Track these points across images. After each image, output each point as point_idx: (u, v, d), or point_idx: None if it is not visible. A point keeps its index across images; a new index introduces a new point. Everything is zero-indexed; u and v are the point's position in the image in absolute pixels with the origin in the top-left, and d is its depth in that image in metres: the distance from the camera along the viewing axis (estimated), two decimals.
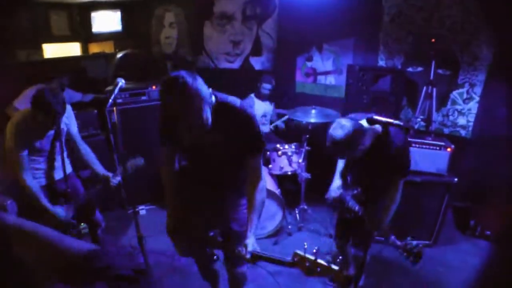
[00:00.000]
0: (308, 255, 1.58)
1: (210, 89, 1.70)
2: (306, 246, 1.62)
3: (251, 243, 1.75)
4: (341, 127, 2.03)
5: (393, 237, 2.05)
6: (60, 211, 2.48)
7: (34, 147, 2.42)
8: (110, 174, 2.63)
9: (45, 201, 2.44)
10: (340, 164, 2.59)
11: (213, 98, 1.74)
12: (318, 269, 1.55)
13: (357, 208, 2.28)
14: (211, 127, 1.70)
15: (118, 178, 2.62)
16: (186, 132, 1.69)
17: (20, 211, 2.64)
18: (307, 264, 1.58)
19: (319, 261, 1.55)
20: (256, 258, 1.74)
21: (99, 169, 2.71)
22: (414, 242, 1.98)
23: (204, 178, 2.00)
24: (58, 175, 2.65)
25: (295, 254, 1.62)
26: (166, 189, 2.07)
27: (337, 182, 2.51)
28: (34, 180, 2.42)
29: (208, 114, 1.63)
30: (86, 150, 2.74)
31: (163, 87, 1.55)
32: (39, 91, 2.25)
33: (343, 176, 2.53)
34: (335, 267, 1.51)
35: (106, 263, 1.15)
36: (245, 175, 1.94)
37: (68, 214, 2.52)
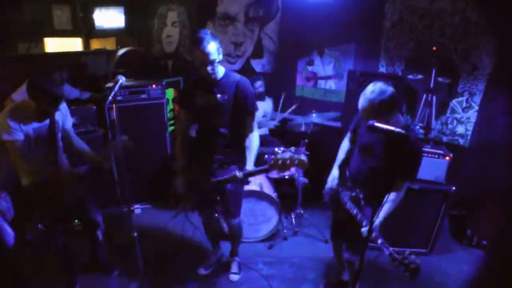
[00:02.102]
0: (278, 155, 2.06)
1: (222, 49, 2.35)
2: (278, 150, 2.15)
3: (247, 168, 2.38)
4: (379, 87, 2.05)
5: (391, 249, 2.00)
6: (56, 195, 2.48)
7: (29, 137, 2.38)
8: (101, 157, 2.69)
9: (42, 186, 2.43)
10: (341, 155, 2.56)
11: (223, 69, 2.43)
12: (288, 162, 2.03)
13: (354, 211, 2.24)
14: (219, 89, 2.38)
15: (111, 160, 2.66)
16: (201, 69, 2.31)
17: (14, 205, 2.62)
18: (279, 162, 2.04)
19: (287, 156, 2.04)
20: (246, 175, 2.31)
21: (91, 153, 2.72)
22: (412, 257, 1.89)
23: (210, 138, 2.52)
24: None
25: (271, 159, 2.08)
26: (178, 148, 2.65)
27: (334, 172, 2.51)
28: (28, 165, 2.41)
29: (216, 58, 2.27)
30: (80, 143, 2.75)
31: (195, 33, 2.30)
32: (35, 78, 2.25)
33: (342, 169, 2.52)
34: (298, 156, 2.03)
35: None
36: (241, 141, 2.53)
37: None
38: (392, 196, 2.16)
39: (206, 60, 2.25)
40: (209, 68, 2.28)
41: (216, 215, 3.01)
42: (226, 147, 2.51)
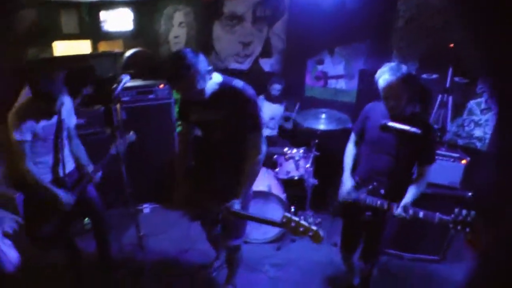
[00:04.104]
0: (294, 217, 1.87)
1: (211, 68, 1.94)
2: (292, 210, 2.00)
3: (236, 203, 2.04)
4: (396, 67, 2.02)
5: (437, 214, 1.94)
6: (63, 193, 2.46)
7: (37, 135, 2.37)
8: (91, 168, 2.67)
9: (48, 184, 2.42)
10: (349, 162, 2.45)
11: (220, 78, 2.03)
12: (301, 229, 1.85)
13: (379, 202, 2.14)
14: (215, 104, 2.00)
15: (99, 173, 2.68)
16: (187, 99, 2.01)
17: (25, 204, 2.62)
18: (292, 224, 1.87)
19: (302, 222, 1.86)
20: (233, 214, 2.03)
21: (85, 162, 2.72)
22: (463, 211, 1.83)
23: (210, 152, 2.24)
24: (62, 170, 2.62)
25: (284, 216, 1.89)
26: (179, 161, 2.39)
27: (348, 183, 2.35)
28: (35, 167, 2.39)
29: (202, 85, 1.88)
30: (77, 145, 2.75)
31: (168, 57, 1.90)
32: (32, 78, 2.24)
33: (352, 174, 2.41)
34: (314, 228, 1.83)
35: None
36: (241, 163, 2.15)
37: (70, 198, 2.49)
38: (417, 182, 2.15)
39: (189, 92, 1.90)
40: (194, 95, 1.93)
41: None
42: (228, 168, 2.21)
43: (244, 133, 2.09)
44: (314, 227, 1.84)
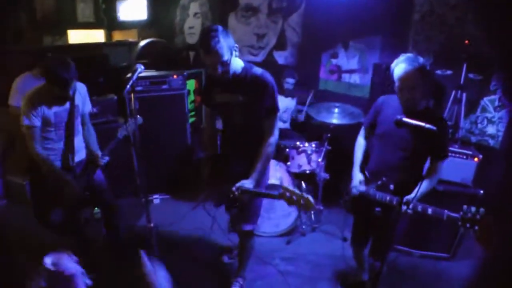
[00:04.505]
0: (289, 187, 1.99)
1: (237, 46, 2.09)
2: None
3: (247, 183, 2.14)
4: (413, 57, 2.02)
5: (446, 212, 1.90)
6: (73, 180, 2.50)
7: (48, 121, 2.40)
8: (99, 153, 2.71)
9: (60, 170, 2.46)
10: (359, 155, 2.45)
11: (242, 63, 2.18)
12: (294, 197, 1.95)
13: (388, 198, 2.12)
14: (237, 88, 2.15)
15: (106, 158, 2.72)
16: (212, 72, 2.07)
17: (32, 191, 2.67)
18: (287, 194, 1.97)
19: (296, 191, 1.96)
20: (244, 192, 2.12)
21: (94, 148, 2.75)
22: (472, 208, 1.79)
23: (230, 138, 2.42)
24: (71, 158, 2.64)
25: (281, 187, 1.99)
26: (207, 144, 2.52)
27: (358, 176, 2.36)
28: (45, 151, 2.42)
29: (228, 57, 2.00)
30: (89, 131, 2.78)
31: (202, 30, 2.03)
32: (46, 64, 2.26)
33: (362, 169, 2.40)
34: (305, 195, 1.92)
35: None
36: (258, 145, 2.26)
37: (80, 186, 2.54)
38: (429, 177, 2.12)
39: (216, 62, 2.00)
40: (220, 69, 2.03)
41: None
42: (247, 153, 2.28)
43: (260, 118, 2.21)
44: (305, 195, 1.93)
